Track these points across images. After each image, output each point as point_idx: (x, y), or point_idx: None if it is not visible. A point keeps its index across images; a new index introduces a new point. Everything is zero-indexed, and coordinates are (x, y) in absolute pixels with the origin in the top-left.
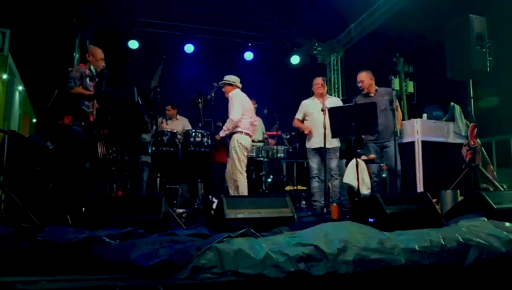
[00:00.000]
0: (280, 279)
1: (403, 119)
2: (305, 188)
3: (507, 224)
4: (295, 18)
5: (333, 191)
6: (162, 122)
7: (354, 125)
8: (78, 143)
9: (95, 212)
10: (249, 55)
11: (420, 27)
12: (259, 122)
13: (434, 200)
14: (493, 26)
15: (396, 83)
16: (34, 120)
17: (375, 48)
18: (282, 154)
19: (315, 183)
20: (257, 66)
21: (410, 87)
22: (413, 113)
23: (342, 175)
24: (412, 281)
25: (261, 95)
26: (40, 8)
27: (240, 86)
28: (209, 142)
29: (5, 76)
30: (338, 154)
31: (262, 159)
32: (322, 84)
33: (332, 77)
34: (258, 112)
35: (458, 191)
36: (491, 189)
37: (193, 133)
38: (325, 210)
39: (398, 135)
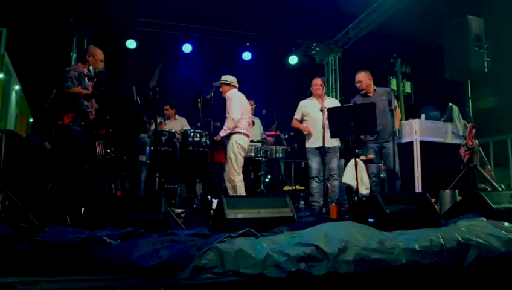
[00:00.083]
0: (281, 279)
1: (401, 120)
2: (303, 188)
3: (506, 224)
4: (293, 18)
5: (332, 191)
6: (160, 122)
7: (353, 126)
8: (78, 143)
9: (95, 212)
10: (247, 55)
11: (418, 28)
12: (257, 122)
13: (433, 200)
14: (491, 27)
15: (393, 83)
16: (31, 120)
17: (372, 48)
18: (281, 155)
19: (314, 184)
20: (255, 66)
21: (408, 87)
22: (410, 113)
23: (341, 175)
24: (412, 280)
25: (259, 95)
26: (37, 7)
27: (237, 85)
28: (208, 142)
29: (1, 75)
30: (338, 154)
31: (260, 159)
32: (321, 85)
33: (330, 78)
34: (257, 112)
35: (457, 191)
36: (489, 189)
37: (191, 133)
38: (324, 210)
39: (397, 135)
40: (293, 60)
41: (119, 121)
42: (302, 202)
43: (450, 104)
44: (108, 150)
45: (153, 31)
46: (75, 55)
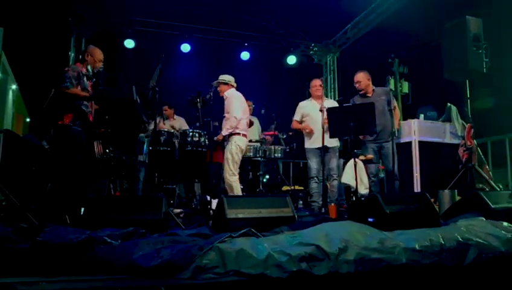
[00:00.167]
0: (282, 279)
1: (400, 120)
2: (302, 188)
3: (505, 223)
4: (292, 18)
5: (332, 191)
6: (159, 122)
7: (352, 126)
8: (78, 143)
9: (95, 212)
10: (245, 55)
11: (416, 28)
12: (255, 122)
13: (432, 200)
14: (489, 27)
15: (391, 83)
16: (28, 119)
17: (371, 48)
18: (279, 154)
19: (313, 184)
20: (254, 65)
21: (405, 87)
22: (408, 113)
23: (340, 175)
24: (412, 280)
25: (257, 94)
26: (34, 6)
27: (235, 85)
28: (207, 142)
29: None
30: (337, 154)
31: (259, 159)
32: (320, 86)
33: (329, 78)
34: (255, 112)
35: (456, 191)
36: (487, 189)
37: (190, 133)
38: (323, 210)
39: (396, 135)
40: (291, 60)
41: (118, 121)
42: (301, 202)
43: (449, 104)
44: (107, 150)
45: (151, 30)
46: (73, 54)
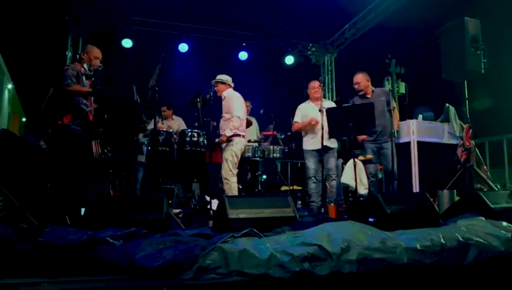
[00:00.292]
0: (285, 279)
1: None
2: (300, 188)
3: (504, 223)
4: (289, 18)
5: (331, 191)
6: (158, 122)
7: (351, 126)
8: (78, 143)
9: (96, 212)
10: (243, 55)
11: (414, 28)
12: (254, 122)
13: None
14: (487, 28)
15: (387, 84)
16: (24, 119)
17: (368, 49)
18: (278, 154)
19: (312, 185)
20: (251, 66)
21: (402, 88)
22: (405, 114)
23: (338, 175)
24: (414, 280)
25: (255, 94)
26: (31, 5)
27: (232, 85)
28: (205, 142)
29: None
30: (336, 154)
31: (258, 159)
32: (318, 87)
33: (326, 78)
34: (254, 112)
35: (455, 191)
36: (485, 189)
37: (189, 133)
38: (322, 210)
39: (396, 135)
40: (289, 60)
41: (118, 121)
42: (300, 202)
43: (447, 104)
44: (105, 150)
45: (149, 30)
46: (70, 54)
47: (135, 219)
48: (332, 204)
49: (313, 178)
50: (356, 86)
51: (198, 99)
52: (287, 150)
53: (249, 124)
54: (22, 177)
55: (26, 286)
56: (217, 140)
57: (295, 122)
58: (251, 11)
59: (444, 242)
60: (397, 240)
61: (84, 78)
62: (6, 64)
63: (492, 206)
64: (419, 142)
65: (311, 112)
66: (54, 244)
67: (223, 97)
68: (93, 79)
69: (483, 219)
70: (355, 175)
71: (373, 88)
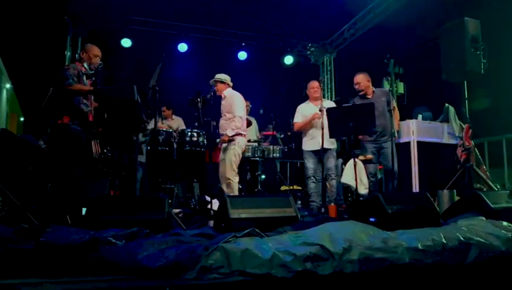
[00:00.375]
0: (287, 278)
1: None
2: (300, 188)
3: (504, 223)
4: (289, 18)
5: (331, 191)
6: (158, 122)
7: (351, 126)
8: (78, 142)
9: (97, 212)
10: (242, 55)
11: (414, 29)
12: (254, 122)
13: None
14: (487, 28)
15: (386, 84)
16: (22, 118)
17: (367, 49)
18: (278, 154)
19: (311, 185)
20: (251, 65)
21: (401, 88)
22: (403, 114)
23: (338, 175)
24: (415, 279)
25: (255, 94)
26: (29, 4)
27: (231, 84)
28: (205, 142)
29: None
30: (335, 153)
31: (257, 159)
32: (318, 87)
33: (326, 78)
34: (253, 112)
35: (455, 191)
36: (485, 189)
37: (189, 133)
38: (322, 210)
39: (396, 135)
40: (288, 60)
41: (118, 121)
42: (299, 202)
43: (447, 104)
44: (105, 150)
45: (148, 29)
46: (69, 53)
47: (137, 219)
48: (332, 204)
49: (312, 178)
50: (357, 86)
51: (198, 99)
52: (286, 150)
53: (248, 124)
54: (22, 177)
55: (29, 286)
56: (218, 140)
57: (295, 122)
58: (250, 11)
59: (445, 242)
60: (398, 240)
61: (84, 77)
62: (5, 64)
63: (492, 206)
64: (419, 142)
65: (311, 112)
66: (56, 244)
67: (223, 96)
68: (93, 78)
69: (484, 218)
70: (355, 175)
71: (374, 89)
